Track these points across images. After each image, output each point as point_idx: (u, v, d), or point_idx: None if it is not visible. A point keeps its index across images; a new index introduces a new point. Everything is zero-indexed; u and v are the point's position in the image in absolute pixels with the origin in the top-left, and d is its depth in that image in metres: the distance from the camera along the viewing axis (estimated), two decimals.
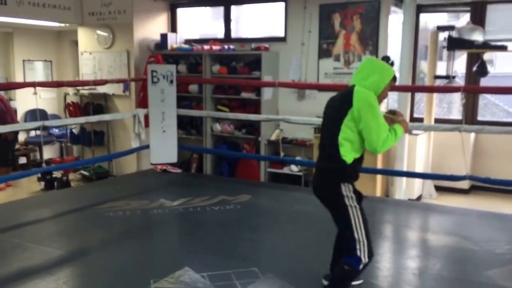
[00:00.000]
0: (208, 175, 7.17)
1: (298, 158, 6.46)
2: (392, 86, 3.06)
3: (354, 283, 3.05)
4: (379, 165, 6.03)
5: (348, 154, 2.82)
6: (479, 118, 6.57)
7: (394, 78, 2.99)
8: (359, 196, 2.93)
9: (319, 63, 6.70)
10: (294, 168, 6.59)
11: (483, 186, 6.17)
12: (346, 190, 2.85)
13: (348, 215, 2.82)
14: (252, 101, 6.89)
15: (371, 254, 2.82)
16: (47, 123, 5.19)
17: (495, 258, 3.66)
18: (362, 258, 2.76)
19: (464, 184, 6.28)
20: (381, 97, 2.95)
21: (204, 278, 3.26)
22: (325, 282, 3.12)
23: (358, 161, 2.91)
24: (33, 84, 5.08)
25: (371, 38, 6.31)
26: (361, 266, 2.78)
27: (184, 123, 7.35)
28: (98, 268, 3.58)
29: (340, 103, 2.89)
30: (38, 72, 8.89)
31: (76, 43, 8.15)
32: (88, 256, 3.78)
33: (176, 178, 6.34)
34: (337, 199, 2.84)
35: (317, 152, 6.24)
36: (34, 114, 7.08)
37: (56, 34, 9.07)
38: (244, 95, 6.84)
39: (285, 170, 6.66)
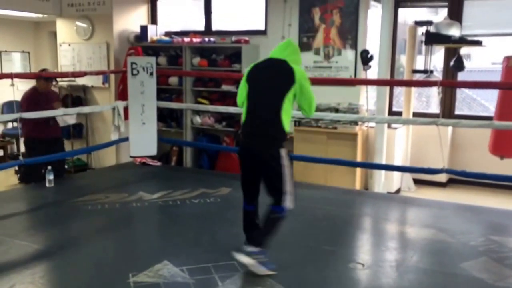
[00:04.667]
0: (188, 168, 7.15)
1: None
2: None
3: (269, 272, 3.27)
4: (359, 158, 6.09)
5: (286, 123, 3.27)
6: (457, 112, 6.67)
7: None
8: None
9: None
10: None
11: (460, 179, 6.27)
12: (283, 152, 3.26)
13: (284, 173, 3.24)
14: (232, 94, 6.86)
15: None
16: (24, 115, 5.10)
17: (469, 250, 3.73)
18: (289, 206, 3.27)
19: (442, 178, 6.38)
20: None
21: (183, 272, 3.25)
22: (248, 248, 3.27)
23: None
24: (11, 76, 4.98)
25: (350, 32, 6.35)
26: (286, 214, 3.29)
27: (164, 116, 7.31)
28: (76, 262, 3.54)
29: (282, 77, 3.30)
30: (16, 63, 8.74)
31: (54, 34, 8.03)
32: (65, 250, 3.72)
33: (156, 171, 6.29)
34: (278, 162, 3.23)
35: (297, 144, 6.29)
36: (11, 106, 6.96)
37: (34, 25, 8.92)
38: (225, 87, 6.83)
39: None
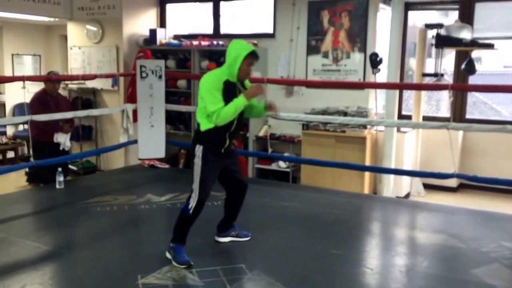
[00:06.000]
0: None
1: (286, 154, 6.47)
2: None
3: (222, 240, 3.83)
4: (367, 162, 6.06)
5: (204, 124, 3.42)
6: (468, 116, 6.61)
7: (252, 55, 3.37)
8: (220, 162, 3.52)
9: (308, 60, 6.70)
10: (282, 165, 6.60)
11: (471, 184, 6.20)
12: (198, 150, 3.43)
13: (194, 170, 3.45)
14: None
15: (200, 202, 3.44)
16: (35, 117, 5.13)
17: (481, 256, 3.68)
18: (192, 205, 3.41)
19: (452, 182, 6.33)
20: (241, 73, 3.40)
21: (192, 274, 3.26)
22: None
23: (214, 130, 3.41)
24: (22, 78, 5.03)
25: (359, 35, 6.33)
26: (189, 211, 3.42)
27: (172, 118, 7.34)
28: (85, 263, 3.56)
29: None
30: (27, 66, 8.82)
31: (65, 37, 8.09)
32: (74, 251, 3.76)
33: (164, 173, 6.31)
34: (193, 159, 3.47)
35: (305, 148, 6.38)
36: (23, 108, 7.01)
37: (46, 29, 8.99)
38: None
39: (273, 166, 6.67)
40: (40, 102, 5.54)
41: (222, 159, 3.51)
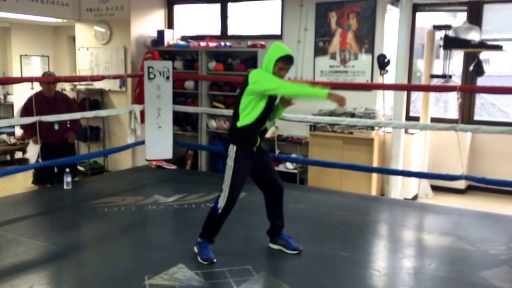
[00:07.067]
0: (203, 171, 7.16)
1: (293, 155, 6.46)
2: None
3: (273, 246, 3.74)
4: (375, 164, 6.03)
5: (243, 119, 3.41)
6: (476, 117, 6.58)
7: (285, 58, 3.35)
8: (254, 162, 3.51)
9: (315, 61, 6.69)
10: (289, 166, 6.59)
11: (479, 186, 6.17)
12: (231, 151, 3.42)
13: (226, 171, 3.43)
14: None
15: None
16: (43, 118, 5.14)
17: (490, 259, 3.65)
18: (221, 204, 3.41)
19: (461, 184, 6.29)
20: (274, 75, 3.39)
21: (199, 276, 3.25)
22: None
23: (248, 128, 3.40)
24: (31, 79, 5.04)
25: (367, 37, 6.31)
26: (218, 211, 3.42)
27: (179, 120, 7.35)
28: (92, 263, 3.57)
29: (242, 85, 3.46)
30: (35, 67, 8.87)
31: (73, 38, 8.13)
32: (82, 252, 3.77)
33: (171, 174, 6.32)
34: (225, 159, 3.46)
35: (313, 149, 6.36)
36: None
37: (54, 30, 9.05)
38: None
39: (280, 167, 6.65)
40: (26, 108, 5.25)
41: (254, 159, 3.51)
